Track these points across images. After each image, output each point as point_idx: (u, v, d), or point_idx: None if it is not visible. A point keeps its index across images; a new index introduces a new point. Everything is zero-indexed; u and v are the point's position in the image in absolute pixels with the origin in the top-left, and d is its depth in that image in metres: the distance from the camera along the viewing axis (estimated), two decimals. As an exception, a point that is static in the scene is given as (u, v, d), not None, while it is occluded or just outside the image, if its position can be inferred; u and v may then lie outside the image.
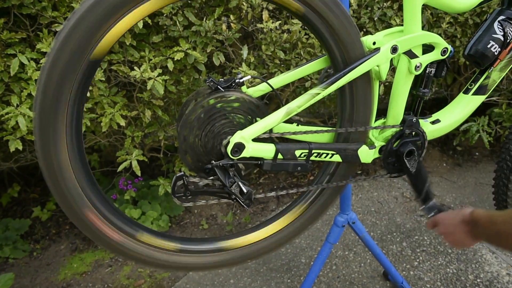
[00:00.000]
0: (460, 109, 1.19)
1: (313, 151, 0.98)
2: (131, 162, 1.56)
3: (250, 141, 0.90)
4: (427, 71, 1.06)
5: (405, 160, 1.09)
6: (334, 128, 1.06)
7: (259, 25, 1.47)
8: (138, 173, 1.58)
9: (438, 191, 2.17)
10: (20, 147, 1.30)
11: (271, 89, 1.02)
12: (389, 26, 1.68)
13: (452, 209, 1.03)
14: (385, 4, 1.67)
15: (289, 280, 1.66)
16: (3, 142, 1.38)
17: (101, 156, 2.16)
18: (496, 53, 1.11)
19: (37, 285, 1.71)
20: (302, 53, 1.58)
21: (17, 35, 1.25)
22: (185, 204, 0.93)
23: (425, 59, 1.02)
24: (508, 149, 1.43)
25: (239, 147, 0.89)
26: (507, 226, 0.75)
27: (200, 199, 0.95)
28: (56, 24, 1.28)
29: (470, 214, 0.87)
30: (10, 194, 2.07)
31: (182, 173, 0.90)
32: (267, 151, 0.93)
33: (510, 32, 1.11)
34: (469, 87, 1.18)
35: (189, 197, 0.92)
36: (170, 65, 1.39)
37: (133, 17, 0.78)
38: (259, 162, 0.94)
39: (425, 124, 1.15)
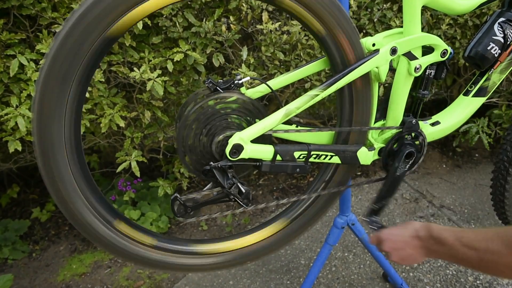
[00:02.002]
0: (460, 111, 1.18)
1: (312, 152, 0.97)
2: (130, 163, 1.55)
3: (248, 143, 0.90)
4: (426, 73, 1.06)
5: (397, 159, 1.07)
6: (333, 128, 1.06)
7: (258, 26, 1.47)
8: (138, 174, 1.58)
9: (437, 193, 2.17)
10: (20, 148, 1.30)
11: (271, 91, 1.02)
12: (389, 27, 1.68)
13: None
14: (384, 5, 1.66)
15: (288, 282, 1.66)
16: (2, 143, 1.38)
17: (101, 157, 2.15)
18: (496, 55, 1.11)
19: (36, 286, 1.71)
20: (301, 54, 1.58)
21: (16, 36, 1.25)
22: (191, 220, 0.95)
23: (424, 61, 1.02)
24: (506, 150, 1.43)
25: (238, 148, 0.88)
26: (490, 256, 0.69)
27: (205, 212, 0.96)
28: (55, 25, 1.28)
29: (426, 230, 0.83)
30: (10, 195, 2.07)
31: (175, 195, 0.92)
32: (265, 152, 0.93)
33: (510, 34, 1.11)
34: (469, 89, 1.18)
35: (191, 212, 0.94)
36: (170, 66, 1.39)
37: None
38: (258, 163, 0.94)
39: (425, 126, 1.15)
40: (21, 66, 1.25)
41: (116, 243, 0.90)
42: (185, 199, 0.92)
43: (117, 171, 1.59)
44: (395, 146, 1.09)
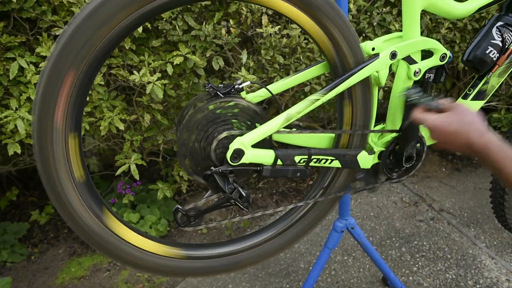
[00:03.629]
0: (459, 114, 1.18)
1: (313, 156, 0.98)
2: (129, 166, 1.55)
3: (249, 147, 0.90)
4: (426, 77, 1.06)
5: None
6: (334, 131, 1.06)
7: (258, 30, 1.47)
8: (137, 177, 1.57)
9: (437, 196, 2.17)
10: (19, 151, 1.30)
11: (271, 95, 1.02)
12: (388, 31, 1.69)
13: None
14: (384, 9, 1.67)
15: (287, 285, 1.66)
16: (1, 146, 1.37)
17: (100, 160, 2.15)
18: (494, 59, 1.11)
19: (35, 289, 1.71)
20: (301, 57, 1.58)
21: (16, 39, 1.25)
22: (198, 228, 0.96)
23: (424, 65, 1.02)
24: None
25: (239, 153, 0.88)
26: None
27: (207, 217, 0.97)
28: (55, 28, 1.28)
29: (484, 147, 0.77)
30: (9, 197, 2.07)
31: (176, 206, 0.93)
32: (266, 157, 0.93)
33: (509, 37, 1.11)
34: (467, 92, 1.18)
35: (196, 221, 0.94)
36: (170, 69, 1.39)
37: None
38: (259, 168, 0.94)
39: (424, 130, 1.15)
40: (21, 69, 1.25)
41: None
42: (187, 209, 0.93)
43: (116, 174, 1.59)
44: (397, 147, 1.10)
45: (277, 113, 0.93)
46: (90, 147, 1.73)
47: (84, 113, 1.37)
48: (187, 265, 0.99)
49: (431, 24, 1.77)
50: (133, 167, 1.55)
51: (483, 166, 0.79)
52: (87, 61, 0.76)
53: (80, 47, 0.75)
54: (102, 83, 1.37)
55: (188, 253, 0.99)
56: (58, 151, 0.79)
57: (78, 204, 0.84)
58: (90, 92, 1.38)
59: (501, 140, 0.78)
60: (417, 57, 1.01)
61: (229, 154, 0.88)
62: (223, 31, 1.45)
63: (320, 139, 1.07)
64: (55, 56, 0.74)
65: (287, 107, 0.94)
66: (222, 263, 1.03)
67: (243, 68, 1.47)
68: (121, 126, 1.42)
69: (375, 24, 1.68)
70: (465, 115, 0.82)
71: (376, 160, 1.10)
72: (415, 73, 1.01)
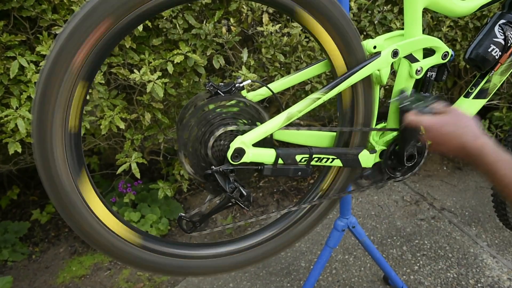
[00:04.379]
0: (460, 113, 1.18)
1: (314, 155, 0.97)
2: (130, 165, 1.55)
3: (250, 146, 0.89)
4: (427, 75, 1.05)
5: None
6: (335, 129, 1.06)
7: (259, 28, 1.47)
8: (138, 175, 1.57)
9: (438, 195, 2.17)
10: (20, 150, 1.30)
11: (271, 93, 1.02)
12: (390, 29, 1.68)
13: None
14: (385, 7, 1.66)
15: (288, 284, 1.66)
16: (2, 145, 1.37)
17: (101, 159, 2.15)
18: (496, 57, 1.10)
19: (36, 288, 1.71)
20: (302, 56, 1.57)
21: (17, 38, 1.25)
22: (205, 232, 0.96)
23: (426, 63, 1.02)
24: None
25: (239, 152, 0.88)
26: None
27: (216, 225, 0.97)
28: (56, 27, 1.28)
29: (479, 151, 0.76)
30: (10, 196, 2.07)
31: (180, 214, 0.93)
32: (267, 156, 0.93)
33: (511, 35, 1.10)
34: (469, 91, 1.17)
35: (201, 225, 0.95)
36: (170, 68, 1.39)
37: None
38: (260, 167, 0.93)
39: (426, 128, 1.14)
40: (21, 68, 1.25)
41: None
42: (190, 215, 0.93)
43: (117, 173, 1.59)
44: (396, 148, 1.09)
45: (278, 112, 0.93)
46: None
47: (84, 112, 1.37)
48: (139, 255, 0.93)
49: (433, 22, 1.76)
50: (133, 166, 1.55)
51: (476, 170, 0.77)
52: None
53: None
54: (103, 82, 1.36)
55: (144, 243, 0.94)
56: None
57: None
58: (90, 91, 1.37)
59: (495, 144, 0.77)
60: (418, 55, 1.01)
61: (230, 153, 0.88)
62: (224, 29, 1.44)
63: (321, 138, 1.06)
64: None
65: (288, 106, 0.93)
66: (172, 263, 0.99)
67: (243, 67, 1.47)
68: (122, 125, 1.42)
69: (376, 22, 1.67)
70: (461, 118, 0.82)
71: (378, 159, 1.10)
72: (417, 72, 1.01)
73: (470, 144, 0.78)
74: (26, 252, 1.86)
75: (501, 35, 1.10)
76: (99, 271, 1.78)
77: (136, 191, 1.94)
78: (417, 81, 1.05)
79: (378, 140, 1.11)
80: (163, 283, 1.70)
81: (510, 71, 1.14)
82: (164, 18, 1.39)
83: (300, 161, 0.96)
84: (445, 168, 2.41)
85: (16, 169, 1.81)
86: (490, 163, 0.75)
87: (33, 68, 1.25)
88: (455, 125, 0.81)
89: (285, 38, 1.51)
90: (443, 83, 2.18)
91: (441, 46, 1.02)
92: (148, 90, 1.34)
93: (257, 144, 0.91)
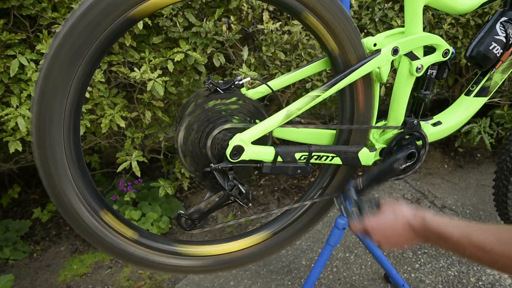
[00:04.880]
0: (461, 111, 1.18)
1: (313, 153, 0.97)
2: (131, 163, 1.55)
3: (249, 144, 0.89)
4: (428, 73, 1.05)
5: (400, 152, 1.05)
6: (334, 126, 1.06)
7: (259, 26, 1.47)
8: (138, 174, 1.57)
9: (439, 193, 2.16)
10: (20, 148, 1.30)
11: (271, 91, 1.01)
12: (390, 27, 1.67)
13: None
14: (386, 5, 1.66)
15: (289, 283, 1.66)
16: (3, 143, 1.37)
17: (102, 157, 2.15)
18: (498, 55, 1.10)
19: (37, 286, 1.71)
20: (302, 54, 1.57)
21: (17, 36, 1.25)
22: (205, 230, 0.97)
23: (426, 61, 1.02)
24: (508, 150, 1.42)
25: (238, 150, 0.88)
26: (506, 260, 0.66)
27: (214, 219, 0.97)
28: (56, 25, 1.28)
29: (421, 221, 0.78)
30: (11, 195, 2.07)
31: (178, 212, 0.94)
32: (266, 154, 0.92)
33: (513, 33, 1.10)
34: (470, 88, 1.17)
35: (200, 223, 0.95)
36: (170, 66, 1.38)
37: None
38: (259, 165, 0.93)
39: (427, 126, 1.14)
40: (21, 66, 1.25)
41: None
42: (189, 213, 0.93)
43: (117, 171, 1.59)
44: (396, 146, 1.09)
45: (278, 110, 0.93)
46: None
47: (85, 111, 1.38)
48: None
49: (434, 19, 1.75)
50: (134, 164, 1.55)
51: (438, 248, 0.79)
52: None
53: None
54: (103, 80, 1.36)
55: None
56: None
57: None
58: (90, 90, 1.37)
59: (434, 213, 0.79)
60: (419, 53, 1.00)
61: (228, 151, 0.87)
62: (224, 27, 1.44)
63: (321, 136, 1.06)
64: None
65: (288, 104, 0.93)
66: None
67: (244, 65, 1.47)
68: (122, 124, 1.42)
69: (376, 20, 1.67)
70: (394, 207, 0.85)
71: (378, 157, 1.09)
72: (417, 69, 1.01)
73: (412, 222, 0.80)
74: (27, 250, 1.86)
75: (502, 33, 1.09)
76: (100, 269, 1.78)
77: (137, 189, 1.95)
78: (417, 78, 1.04)
79: (378, 138, 1.11)
80: (164, 281, 1.71)
81: (512, 69, 1.14)
82: (164, 16, 1.38)
83: (299, 159, 0.96)
84: (446, 166, 2.40)
85: (17, 167, 1.81)
86: (439, 230, 0.76)
87: (33, 67, 1.25)
88: (393, 216, 0.84)
89: (286, 36, 1.51)
90: (443, 81, 2.18)
91: (442, 44, 1.01)
92: (148, 89, 1.34)
93: (256, 142, 0.91)
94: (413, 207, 0.84)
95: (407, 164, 1.09)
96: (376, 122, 1.08)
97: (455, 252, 0.75)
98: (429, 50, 1.02)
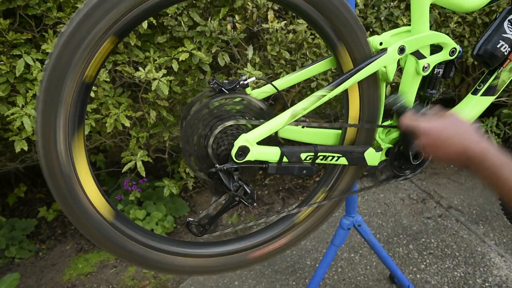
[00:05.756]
0: (468, 110, 1.16)
1: (319, 153, 0.96)
2: (136, 163, 1.55)
3: (254, 144, 0.89)
4: (435, 72, 1.04)
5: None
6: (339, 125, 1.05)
7: (264, 25, 1.46)
8: (143, 173, 1.57)
9: (445, 193, 2.15)
10: (26, 148, 1.30)
11: (276, 91, 1.01)
12: (396, 26, 1.66)
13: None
14: (392, 3, 1.65)
15: (294, 283, 1.65)
16: (9, 143, 1.38)
17: (107, 157, 2.16)
18: (506, 53, 1.08)
19: (43, 285, 1.72)
20: (307, 53, 1.56)
21: (22, 36, 1.25)
22: (215, 234, 0.96)
23: (433, 60, 1.00)
24: (516, 150, 1.41)
25: (244, 150, 0.87)
26: None
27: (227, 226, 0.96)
28: (61, 25, 1.28)
29: (482, 157, 0.73)
30: (17, 194, 2.08)
31: (187, 219, 0.93)
32: (272, 154, 0.92)
33: (520, 31, 1.08)
34: (477, 87, 1.16)
35: (211, 228, 0.94)
36: (175, 66, 1.38)
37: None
38: (264, 165, 0.93)
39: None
40: (27, 66, 1.26)
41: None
42: (198, 219, 0.93)
43: (122, 171, 1.59)
44: (402, 146, 1.08)
45: (283, 109, 0.92)
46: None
47: (90, 110, 1.38)
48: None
49: (440, 18, 1.74)
50: (139, 164, 1.55)
51: (475, 175, 0.74)
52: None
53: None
54: (108, 79, 1.36)
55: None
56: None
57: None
58: (95, 89, 1.38)
59: (498, 148, 0.75)
60: (426, 51, 0.99)
61: (234, 151, 0.87)
62: (229, 26, 1.43)
63: (327, 136, 1.05)
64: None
65: (293, 104, 0.92)
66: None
67: (249, 64, 1.46)
68: (127, 123, 1.42)
69: (382, 18, 1.66)
70: (460, 123, 0.79)
71: (384, 157, 1.08)
72: (424, 68, 1.00)
73: (472, 148, 0.75)
74: (33, 249, 1.88)
75: (510, 31, 1.08)
76: (105, 269, 1.79)
77: (142, 189, 1.95)
78: (424, 78, 1.03)
79: (384, 138, 1.10)
80: (169, 280, 1.71)
81: (520, 68, 1.12)
82: (169, 15, 1.38)
83: (305, 159, 0.95)
84: (452, 166, 2.39)
85: (23, 167, 1.82)
86: (493, 167, 0.73)
87: (39, 66, 1.26)
88: (455, 130, 0.78)
89: (291, 35, 1.50)
90: (450, 80, 2.16)
91: (449, 42, 1.00)
92: (153, 88, 1.34)
93: (261, 142, 0.90)
94: (480, 133, 0.76)
95: (414, 163, 1.08)
96: (382, 122, 1.07)
97: (503, 196, 0.73)
98: (435, 48, 1.01)
